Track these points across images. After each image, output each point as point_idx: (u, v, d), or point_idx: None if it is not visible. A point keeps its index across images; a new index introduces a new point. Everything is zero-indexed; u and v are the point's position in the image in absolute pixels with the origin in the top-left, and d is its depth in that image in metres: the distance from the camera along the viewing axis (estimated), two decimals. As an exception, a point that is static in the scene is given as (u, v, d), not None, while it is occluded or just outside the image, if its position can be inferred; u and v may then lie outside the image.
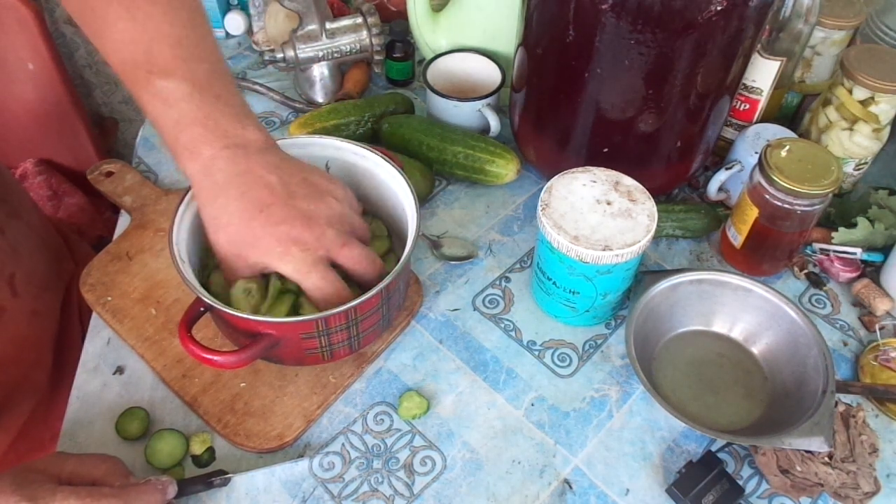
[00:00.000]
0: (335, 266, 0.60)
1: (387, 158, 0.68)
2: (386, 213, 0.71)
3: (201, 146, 0.57)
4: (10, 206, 0.81)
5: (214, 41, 0.61)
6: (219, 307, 0.56)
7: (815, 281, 0.76)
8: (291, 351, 0.61)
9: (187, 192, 0.63)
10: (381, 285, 0.58)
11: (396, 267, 0.60)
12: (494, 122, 0.85)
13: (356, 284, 0.62)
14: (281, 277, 0.60)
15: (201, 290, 0.57)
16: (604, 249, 0.61)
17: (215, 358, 0.56)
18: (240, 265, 0.59)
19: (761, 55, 0.77)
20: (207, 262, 0.66)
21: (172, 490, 0.56)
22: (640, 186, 0.66)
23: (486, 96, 0.85)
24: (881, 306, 0.73)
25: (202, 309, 0.58)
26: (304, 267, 0.57)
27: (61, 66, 1.18)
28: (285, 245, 0.57)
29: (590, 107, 0.71)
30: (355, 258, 0.60)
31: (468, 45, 0.91)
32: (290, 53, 0.89)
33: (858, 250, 0.76)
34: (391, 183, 0.68)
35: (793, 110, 0.89)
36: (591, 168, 0.68)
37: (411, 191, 0.65)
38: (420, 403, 0.65)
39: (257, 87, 0.96)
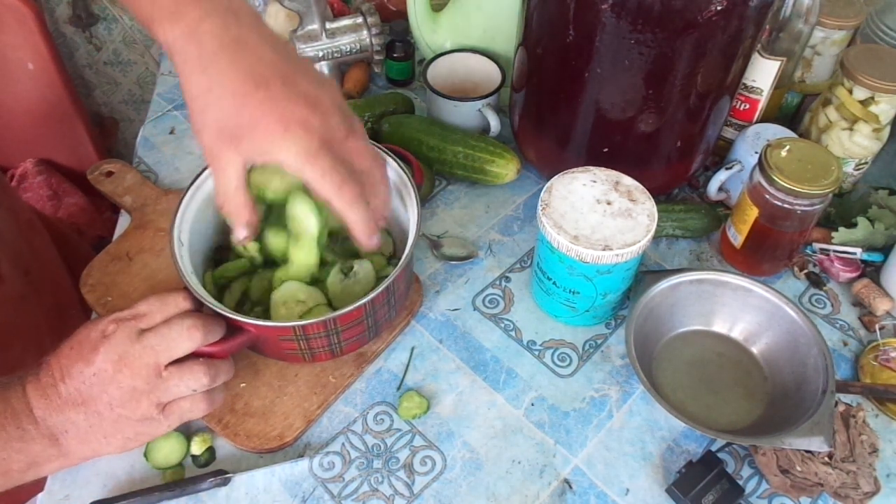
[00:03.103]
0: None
1: (388, 151, 0.67)
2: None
3: (184, 7, 0.49)
4: None
5: None
6: (206, 301, 0.56)
7: (815, 281, 0.76)
8: (272, 349, 0.61)
9: (188, 190, 0.64)
10: (365, 300, 0.57)
11: (384, 282, 0.58)
12: (494, 122, 0.85)
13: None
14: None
15: (195, 282, 0.58)
16: (604, 249, 0.61)
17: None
18: (228, 152, 0.50)
19: (761, 55, 0.77)
20: (208, 263, 0.67)
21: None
22: (640, 186, 0.66)
23: (486, 96, 0.85)
24: (881, 306, 0.73)
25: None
26: (309, 151, 0.49)
27: (61, 66, 1.18)
28: (287, 125, 0.49)
29: (590, 107, 0.71)
30: (360, 151, 0.53)
31: (468, 45, 0.91)
32: (290, 53, 0.89)
33: (858, 250, 0.76)
34: (393, 179, 0.68)
35: (793, 110, 0.89)
36: (591, 168, 0.68)
37: (414, 192, 0.65)
38: (420, 403, 0.65)
39: (257, 87, 0.95)
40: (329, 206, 0.52)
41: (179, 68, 0.50)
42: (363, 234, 0.53)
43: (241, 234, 0.55)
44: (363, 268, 0.66)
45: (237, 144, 0.50)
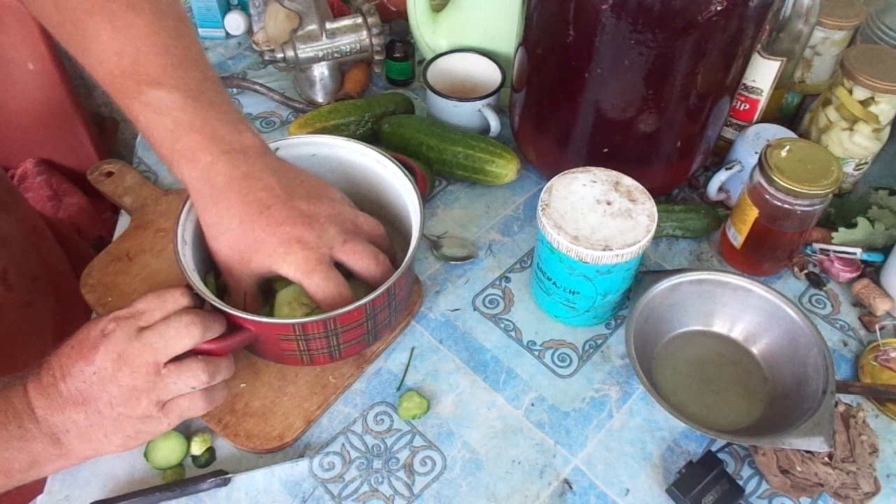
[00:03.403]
0: (342, 269, 0.60)
1: (392, 158, 0.68)
2: (387, 214, 0.71)
3: (199, 152, 0.56)
4: None
5: (201, 49, 0.60)
6: (209, 298, 0.57)
7: (815, 281, 0.76)
8: (271, 349, 0.61)
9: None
10: (366, 300, 0.58)
11: (385, 284, 0.59)
12: (494, 122, 0.85)
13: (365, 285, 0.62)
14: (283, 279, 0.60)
15: (197, 279, 0.58)
16: (604, 249, 0.61)
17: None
18: (242, 270, 0.58)
19: (761, 55, 0.77)
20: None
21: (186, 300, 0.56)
22: (640, 186, 0.66)
23: (486, 96, 0.85)
24: (881, 306, 0.73)
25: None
26: (306, 266, 0.57)
27: (61, 66, 1.18)
28: (287, 245, 0.56)
29: (590, 107, 0.71)
30: (358, 254, 0.59)
31: (468, 45, 0.91)
32: (290, 53, 0.89)
33: (858, 250, 0.76)
34: (395, 183, 0.68)
35: (793, 110, 0.89)
36: (591, 168, 0.68)
37: (416, 193, 0.65)
38: (420, 403, 0.65)
39: (257, 87, 0.96)
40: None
41: (196, 204, 0.58)
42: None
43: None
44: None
45: (247, 265, 0.58)
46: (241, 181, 0.57)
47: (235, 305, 0.59)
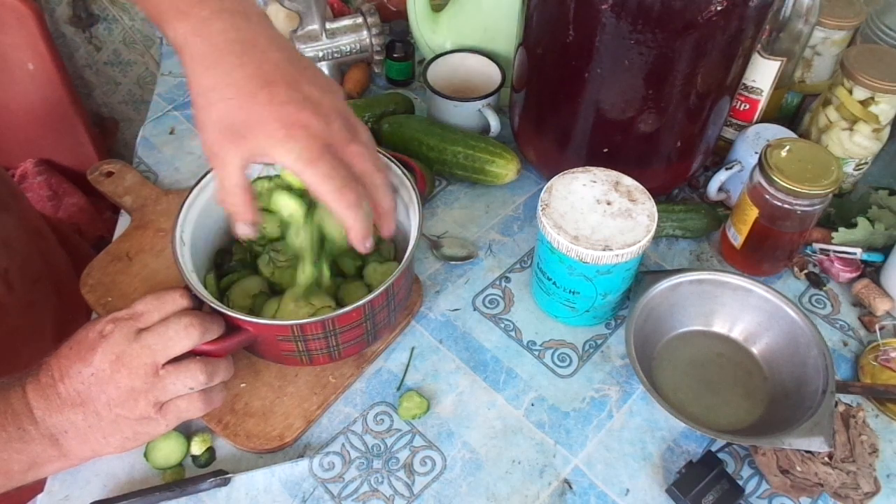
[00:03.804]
0: None
1: (392, 158, 0.68)
2: None
3: (194, 5, 0.50)
4: (0, 201, 0.81)
5: None
6: (206, 299, 0.57)
7: (815, 281, 0.76)
8: (270, 350, 0.61)
9: (191, 190, 0.64)
10: (364, 301, 0.58)
11: (383, 284, 0.59)
12: (494, 122, 0.85)
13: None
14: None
15: (195, 280, 0.58)
16: (604, 249, 0.61)
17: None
18: (230, 149, 0.50)
19: (761, 55, 0.77)
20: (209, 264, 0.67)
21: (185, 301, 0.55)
22: (640, 186, 0.66)
23: (486, 96, 0.85)
24: (881, 306, 0.73)
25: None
26: (310, 154, 0.49)
27: (61, 66, 1.18)
28: (289, 128, 0.49)
29: (590, 107, 0.71)
30: (362, 155, 0.53)
31: (468, 45, 0.91)
32: (290, 53, 0.89)
33: (858, 250, 0.76)
34: (395, 183, 0.68)
35: (793, 110, 0.89)
36: (591, 168, 0.68)
37: (416, 193, 0.65)
38: (420, 403, 0.65)
39: (257, 87, 0.95)
40: (330, 209, 0.52)
41: (186, 64, 0.51)
42: (358, 237, 0.54)
43: (240, 230, 0.55)
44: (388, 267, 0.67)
45: (239, 143, 0.50)
46: (243, 46, 0.50)
47: (222, 193, 0.53)
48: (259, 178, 0.64)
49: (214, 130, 0.50)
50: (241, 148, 0.50)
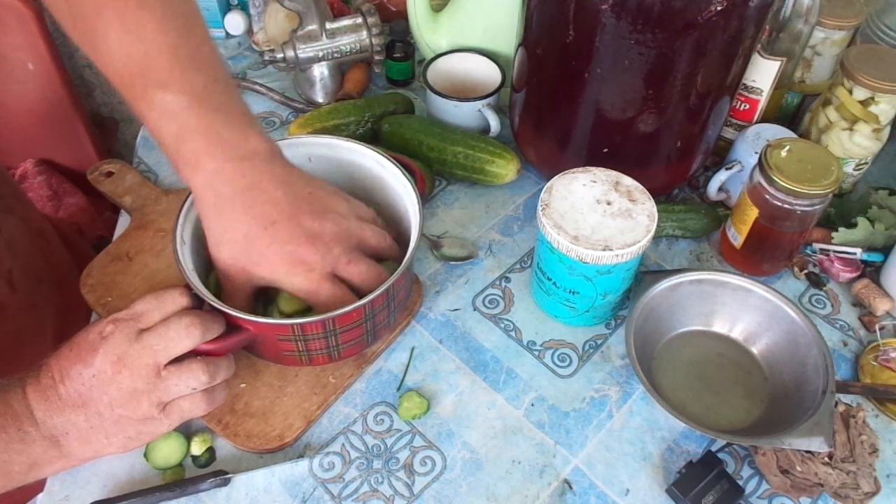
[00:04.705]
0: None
1: (392, 159, 0.68)
2: (387, 214, 0.71)
3: (204, 159, 0.55)
4: (3, 201, 0.81)
5: (213, 47, 0.59)
6: (208, 299, 0.57)
7: (815, 281, 0.76)
8: (269, 350, 0.61)
9: (189, 194, 0.64)
10: (364, 301, 0.58)
11: (383, 285, 0.59)
12: (494, 122, 0.85)
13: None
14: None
15: (195, 279, 0.58)
16: (604, 249, 0.61)
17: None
18: (241, 279, 0.58)
19: (761, 55, 0.77)
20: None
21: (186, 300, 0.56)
22: (640, 186, 0.66)
23: (486, 96, 0.85)
24: (881, 306, 0.73)
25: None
26: (310, 286, 0.57)
27: (61, 66, 1.18)
28: (291, 265, 0.57)
29: (590, 107, 0.71)
30: (361, 274, 0.60)
31: (468, 45, 0.91)
32: (290, 53, 0.89)
33: (858, 250, 0.76)
34: (394, 184, 0.68)
35: (793, 110, 0.89)
36: (591, 168, 0.68)
37: (416, 193, 0.65)
38: (420, 403, 0.65)
39: (257, 87, 0.96)
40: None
41: (200, 212, 0.58)
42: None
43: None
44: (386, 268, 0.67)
45: (247, 275, 0.58)
46: (246, 193, 0.56)
47: (226, 294, 0.60)
48: None
49: (226, 264, 0.58)
50: (250, 279, 0.58)
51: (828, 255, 0.77)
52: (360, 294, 0.60)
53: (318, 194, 0.60)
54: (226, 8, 1.07)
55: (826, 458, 0.60)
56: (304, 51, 0.90)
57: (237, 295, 0.60)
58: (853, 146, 0.77)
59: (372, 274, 0.60)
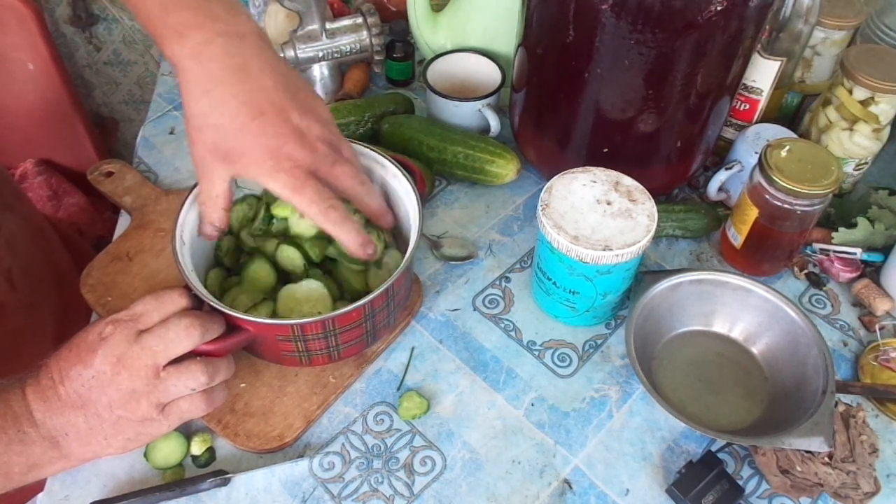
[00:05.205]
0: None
1: (392, 160, 0.68)
2: None
3: (192, 30, 0.53)
4: (3, 200, 0.81)
5: None
6: (208, 299, 0.56)
7: (815, 281, 0.76)
8: (269, 350, 0.61)
9: (192, 190, 0.64)
10: (364, 301, 0.58)
11: (383, 285, 0.59)
12: (494, 122, 0.85)
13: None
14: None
15: (195, 280, 0.58)
16: (604, 249, 0.61)
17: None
18: (218, 168, 0.55)
19: (761, 55, 0.77)
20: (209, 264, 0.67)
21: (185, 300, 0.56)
22: (640, 186, 0.66)
23: (486, 96, 0.85)
24: (881, 306, 0.73)
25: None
26: (295, 183, 0.54)
27: (61, 66, 1.18)
28: (277, 160, 0.54)
29: (590, 107, 0.71)
30: (347, 174, 0.58)
31: (468, 45, 0.91)
32: (290, 53, 0.89)
33: (858, 250, 0.76)
34: (394, 184, 0.68)
35: (793, 110, 0.89)
36: (591, 168, 0.68)
37: (415, 193, 0.65)
38: (420, 403, 0.65)
39: (257, 87, 0.95)
40: (321, 227, 0.57)
41: (182, 86, 0.54)
42: (354, 248, 0.58)
43: (206, 229, 0.60)
44: (391, 257, 0.67)
45: (228, 165, 0.55)
46: (237, 73, 0.53)
47: (205, 202, 0.58)
48: (248, 196, 0.68)
49: (205, 150, 0.55)
50: (230, 169, 0.55)
51: (828, 255, 0.77)
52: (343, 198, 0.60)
53: (304, 91, 0.58)
54: (226, 8, 1.07)
55: (826, 458, 0.60)
56: (304, 51, 0.90)
57: (215, 186, 0.56)
58: (853, 146, 0.77)
59: (357, 177, 0.59)
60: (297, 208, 0.56)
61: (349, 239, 0.57)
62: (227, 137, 0.54)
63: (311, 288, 0.63)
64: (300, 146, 0.55)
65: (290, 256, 0.65)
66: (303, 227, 0.66)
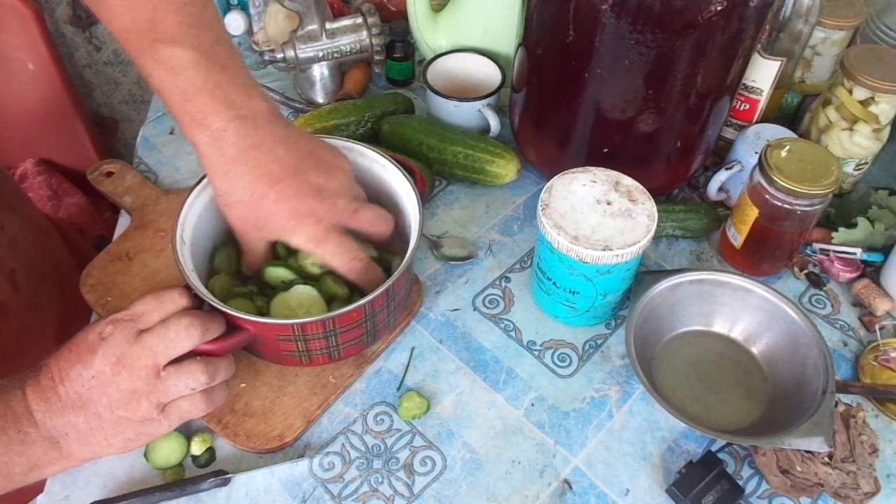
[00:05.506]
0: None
1: (391, 160, 0.68)
2: None
3: (210, 117, 0.56)
4: (5, 200, 0.81)
5: (216, 9, 0.60)
6: (208, 299, 0.56)
7: (815, 281, 0.76)
8: (269, 350, 0.61)
9: (192, 190, 0.64)
10: (364, 301, 0.58)
11: (384, 285, 0.59)
12: (494, 122, 0.85)
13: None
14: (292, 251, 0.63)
15: (195, 279, 0.58)
16: (604, 249, 0.61)
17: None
18: (254, 237, 0.60)
19: (761, 55, 0.77)
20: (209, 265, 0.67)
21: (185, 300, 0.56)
22: (640, 186, 0.66)
23: (486, 96, 0.85)
24: (881, 306, 0.73)
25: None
26: (317, 237, 0.58)
27: (61, 66, 1.18)
28: (297, 219, 0.58)
29: (590, 107, 0.71)
30: (370, 220, 0.62)
31: (468, 45, 0.91)
32: (290, 53, 0.89)
33: (858, 250, 0.76)
34: (394, 184, 0.68)
35: (793, 110, 0.89)
36: (591, 168, 0.68)
37: (415, 194, 0.65)
38: (420, 403, 0.65)
39: (257, 87, 0.95)
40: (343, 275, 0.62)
41: (206, 170, 0.58)
42: (372, 286, 0.61)
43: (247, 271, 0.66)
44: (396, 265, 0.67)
45: (259, 233, 0.60)
46: (252, 152, 0.57)
47: (249, 265, 0.64)
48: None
49: (238, 224, 0.60)
50: (262, 235, 0.60)
51: (828, 255, 0.77)
52: (370, 241, 0.63)
53: (319, 152, 0.61)
54: (226, 8, 1.07)
55: (826, 458, 0.60)
56: (304, 51, 0.90)
57: (254, 251, 0.62)
58: (853, 146, 0.77)
59: (380, 219, 0.63)
60: (322, 260, 0.61)
61: (369, 282, 0.62)
62: (252, 209, 0.58)
63: (303, 293, 0.63)
64: (319, 202, 0.58)
65: (279, 275, 0.65)
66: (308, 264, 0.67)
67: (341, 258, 0.60)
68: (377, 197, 0.70)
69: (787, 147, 0.69)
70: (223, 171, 0.57)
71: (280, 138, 0.58)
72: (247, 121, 0.57)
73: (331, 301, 0.64)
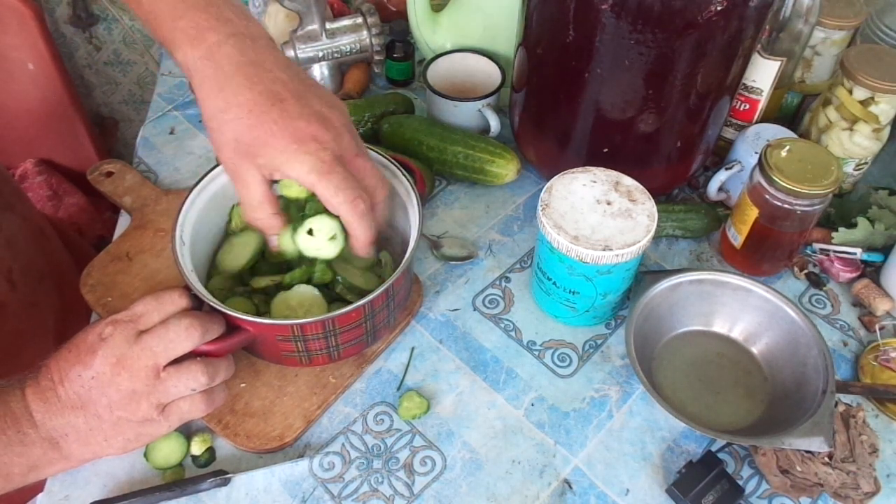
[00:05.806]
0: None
1: (392, 160, 0.68)
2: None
3: (205, 31, 0.52)
4: (3, 200, 0.81)
5: None
6: (207, 299, 0.56)
7: (815, 281, 0.76)
8: (269, 350, 0.61)
9: (191, 190, 0.64)
10: (364, 301, 0.58)
11: (383, 285, 0.59)
12: (494, 122, 0.85)
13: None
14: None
15: (195, 280, 0.58)
16: (604, 249, 0.61)
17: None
18: (248, 167, 0.53)
19: (761, 55, 0.77)
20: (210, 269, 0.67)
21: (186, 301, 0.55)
22: (640, 186, 0.66)
23: (486, 96, 0.85)
24: (881, 306, 0.73)
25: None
26: (322, 167, 0.51)
27: (61, 66, 1.18)
28: (302, 142, 0.51)
29: (590, 107, 0.71)
30: (368, 169, 0.56)
31: (468, 45, 0.91)
32: (290, 53, 0.89)
33: (858, 250, 0.76)
34: (394, 184, 0.68)
35: (793, 110, 0.89)
36: (591, 168, 0.68)
37: (415, 194, 0.65)
38: (420, 403, 0.65)
39: (257, 87, 0.95)
40: (341, 217, 0.55)
41: (197, 88, 0.53)
42: (364, 245, 0.57)
43: (273, 243, 0.59)
44: (387, 258, 0.67)
45: (254, 159, 0.52)
46: (252, 68, 0.52)
47: (246, 215, 0.56)
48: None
49: (230, 150, 0.53)
50: (256, 163, 0.52)
51: (828, 255, 0.77)
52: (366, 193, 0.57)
53: (321, 87, 0.57)
54: (226, 8, 1.07)
55: (826, 458, 0.60)
56: (304, 51, 0.90)
57: (249, 190, 0.54)
58: (853, 146, 0.77)
59: (377, 174, 0.57)
60: (322, 194, 0.53)
61: (365, 235, 0.56)
62: (248, 128, 0.51)
63: (304, 292, 0.63)
64: (325, 128, 0.52)
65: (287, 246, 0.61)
66: (295, 191, 0.61)
67: (345, 193, 0.52)
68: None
69: (787, 147, 0.69)
70: (218, 86, 0.52)
71: (281, 62, 0.54)
72: (245, 38, 0.53)
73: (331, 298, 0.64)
